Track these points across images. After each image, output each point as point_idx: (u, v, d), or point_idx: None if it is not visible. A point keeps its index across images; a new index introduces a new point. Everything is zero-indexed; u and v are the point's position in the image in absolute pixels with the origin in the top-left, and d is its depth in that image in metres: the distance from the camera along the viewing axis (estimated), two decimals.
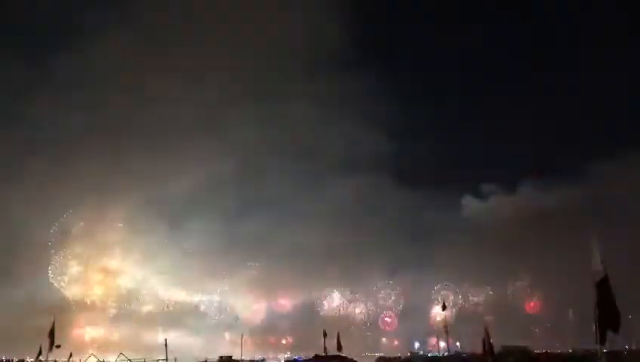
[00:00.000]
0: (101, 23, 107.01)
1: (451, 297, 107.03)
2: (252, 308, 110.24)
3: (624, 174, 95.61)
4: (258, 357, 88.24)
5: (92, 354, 71.23)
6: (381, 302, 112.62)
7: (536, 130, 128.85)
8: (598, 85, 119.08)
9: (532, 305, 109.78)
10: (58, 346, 46.87)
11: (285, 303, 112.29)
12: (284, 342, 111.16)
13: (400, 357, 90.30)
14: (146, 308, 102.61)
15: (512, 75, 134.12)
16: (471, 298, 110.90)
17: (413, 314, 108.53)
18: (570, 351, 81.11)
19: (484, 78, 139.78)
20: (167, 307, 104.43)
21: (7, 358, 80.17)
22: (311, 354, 68.21)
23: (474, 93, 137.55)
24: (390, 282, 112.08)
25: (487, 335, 26.42)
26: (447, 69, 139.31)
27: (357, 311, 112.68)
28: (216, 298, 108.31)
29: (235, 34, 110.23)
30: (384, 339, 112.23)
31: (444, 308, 67.20)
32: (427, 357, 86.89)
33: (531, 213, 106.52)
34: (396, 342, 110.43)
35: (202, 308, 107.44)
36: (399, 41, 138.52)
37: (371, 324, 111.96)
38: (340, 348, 59.59)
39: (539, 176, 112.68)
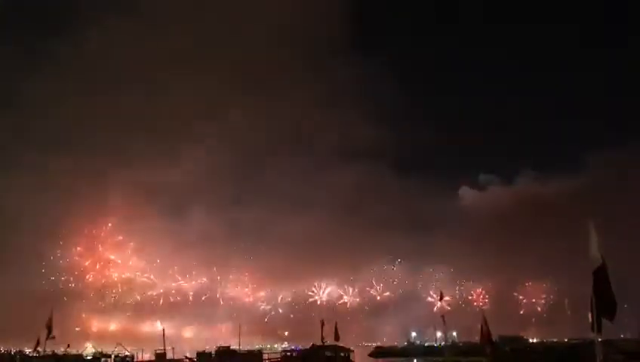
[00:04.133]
0: (100, 9, 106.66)
1: (449, 286, 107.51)
2: (250, 297, 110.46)
3: (622, 163, 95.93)
4: (256, 347, 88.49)
5: (91, 345, 71.43)
6: (379, 290, 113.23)
7: (533, 121, 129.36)
8: (596, 80, 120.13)
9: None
10: (53, 337, 46.86)
11: (283, 292, 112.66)
12: (281, 330, 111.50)
13: (397, 346, 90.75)
14: (144, 298, 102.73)
15: (513, 66, 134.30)
16: (468, 287, 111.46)
17: (410, 303, 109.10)
18: (566, 339, 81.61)
19: (484, 68, 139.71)
20: (165, 297, 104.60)
21: (6, 349, 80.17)
22: (308, 344, 68.35)
23: (474, 83, 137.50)
24: (393, 268, 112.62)
25: (486, 323, 26.40)
26: (448, 59, 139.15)
27: (355, 300, 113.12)
28: (214, 287, 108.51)
29: (235, 21, 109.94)
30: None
31: (441, 297, 67.37)
32: (424, 346, 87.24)
33: (529, 203, 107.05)
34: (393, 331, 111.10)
35: (201, 297, 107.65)
36: (400, 29, 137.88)
37: (369, 313, 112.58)
38: (337, 337, 59.64)
39: (536, 166, 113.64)
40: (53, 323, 46.44)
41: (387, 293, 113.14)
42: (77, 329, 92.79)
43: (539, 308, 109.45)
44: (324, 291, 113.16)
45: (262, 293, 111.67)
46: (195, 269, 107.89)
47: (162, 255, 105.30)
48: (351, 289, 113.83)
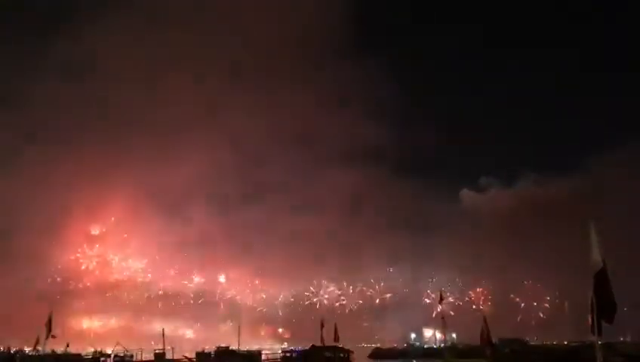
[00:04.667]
0: (100, 9, 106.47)
1: (449, 288, 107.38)
2: (250, 297, 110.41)
3: (622, 164, 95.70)
4: (255, 347, 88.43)
5: (89, 343, 71.39)
6: (379, 291, 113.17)
7: (533, 121, 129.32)
8: (596, 79, 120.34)
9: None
10: (54, 336, 46.89)
11: (283, 293, 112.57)
12: (280, 330, 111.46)
13: (397, 348, 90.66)
14: (144, 298, 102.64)
15: (513, 67, 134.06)
16: (468, 289, 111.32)
17: (410, 305, 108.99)
18: (565, 342, 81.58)
19: (485, 70, 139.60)
20: (165, 297, 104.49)
21: (5, 348, 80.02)
22: (308, 345, 68.34)
23: (475, 85, 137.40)
24: (390, 270, 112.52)
25: (486, 325, 26.31)
26: (449, 60, 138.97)
27: (356, 301, 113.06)
28: (214, 287, 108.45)
29: (236, 21, 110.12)
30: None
31: (441, 299, 67.18)
32: (423, 348, 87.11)
33: (529, 205, 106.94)
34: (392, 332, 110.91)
35: (200, 297, 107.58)
36: (400, 29, 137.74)
37: (369, 314, 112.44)
38: (337, 338, 59.69)
39: (537, 168, 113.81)
40: (53, 322, 46.48)
41: (387, 295, 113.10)
42: (76, 328, 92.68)
43: (539, 311, 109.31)
44: (324, 292, 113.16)
45: (262, 294, 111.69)
46: (194, 269, 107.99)
47: (162, 255, 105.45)
48: (351, 290, 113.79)
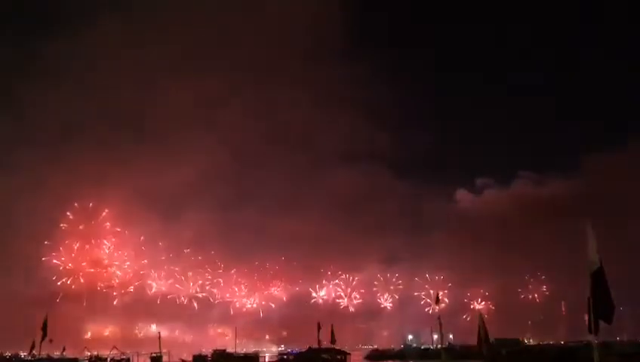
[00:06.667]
0: (93, 10, 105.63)
1: (445, 290, 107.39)
2: (247, 300, 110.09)
3: (622, 164, 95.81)
4: (252, 350, 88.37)
5: (85, 347, 71.17)
6: (376, 293, 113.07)
7: (532, 121, 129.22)
8: (596, 79, 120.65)
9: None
10: (51, 340, 46.76)
11: (281, 295, 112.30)
12: (279, 335, 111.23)
13: (393, 349, 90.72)
14: (140, 302, 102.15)
15: (511, 67, 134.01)
16: (465, 290, 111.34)
17: (407, 306, 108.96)
18: (562, 342, 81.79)
19: (482, 70, 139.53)
20: (161, 300, 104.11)
21: (0, 353, 79.75)
22: (305, 347, 68.32)
23: (472, 85, 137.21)
24: (389, 270, 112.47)
25: (483, 326, 26.27)
26: (446, 61, 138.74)
27: (352, 302, 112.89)
28: (211, 290, 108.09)
29: (232, 21, 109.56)
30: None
31: (437, 300, 67.40)
32: (420, 349, 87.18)
33: (527, 206, 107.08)
34: (389, 334, 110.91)
35: (197, 300, 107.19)
36: (400, 29, 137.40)
37: (366, 316, 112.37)
38: (333, 340, 59.68)
39: (535, 168, 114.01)
40: (49, 326, 46.28)
41: (384, 296, 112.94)
42: (72, 332, 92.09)
43: (536, 311, 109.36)
44: (320, 293, 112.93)
45: (258, 295, 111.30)
46: (191, 271, 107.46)
47: (159, 257, 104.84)
48: (348, 291, 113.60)
